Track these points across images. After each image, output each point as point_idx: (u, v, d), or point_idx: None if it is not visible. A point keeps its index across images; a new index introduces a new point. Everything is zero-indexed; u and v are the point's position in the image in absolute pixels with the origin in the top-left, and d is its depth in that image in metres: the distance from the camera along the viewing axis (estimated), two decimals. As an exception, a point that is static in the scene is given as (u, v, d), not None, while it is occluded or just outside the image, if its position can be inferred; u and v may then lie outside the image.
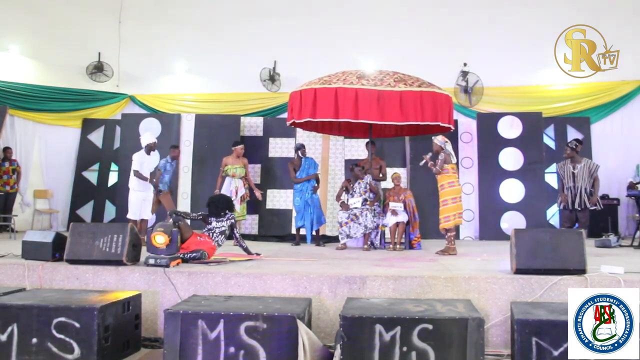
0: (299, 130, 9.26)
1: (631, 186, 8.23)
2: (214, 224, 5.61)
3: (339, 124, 7.87)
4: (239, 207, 7.76)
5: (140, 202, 7.24)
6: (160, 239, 4.76)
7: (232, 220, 5.68)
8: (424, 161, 6.43)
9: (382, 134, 8.11)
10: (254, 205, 9.41)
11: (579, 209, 7.20)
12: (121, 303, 4.01)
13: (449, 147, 6.31)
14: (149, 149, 7.34)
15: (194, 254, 5.11)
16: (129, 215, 7.22)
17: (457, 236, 6.41)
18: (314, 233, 7.78)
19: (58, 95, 10.11)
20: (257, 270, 4.67)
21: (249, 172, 8.18)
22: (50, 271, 4.78)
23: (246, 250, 5.73)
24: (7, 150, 9.27)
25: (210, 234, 5.53)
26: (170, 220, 5.31)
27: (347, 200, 7.25)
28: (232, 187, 7.72)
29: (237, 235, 5.74)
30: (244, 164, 7.98)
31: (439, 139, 6.37)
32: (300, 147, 7.89)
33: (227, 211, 5.70)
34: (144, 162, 7.28)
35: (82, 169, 10.27)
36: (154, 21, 10.66)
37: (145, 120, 9.83)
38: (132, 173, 7.26)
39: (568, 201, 7.30)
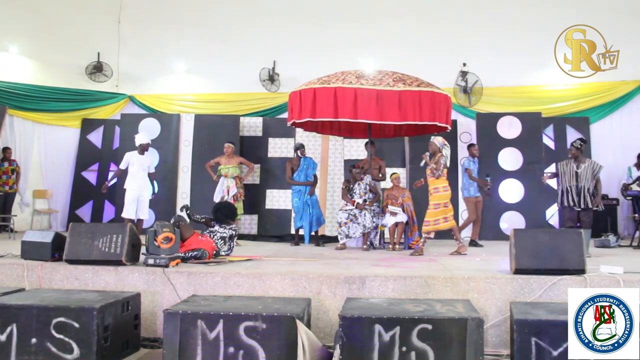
0: (298, 130, 9.26)
1: (625, 187, 8.20)
2: (216, 227, 5.75)
3: (339, 124, 7.87)
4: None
5: (134, 201, 7.25)
6: (167, 239, 4.79)
7: (233, 232, 5.80)
8: (423, 162, 6.38)
9: (381, 134, 8.11)
10: (254, 205, 9.41)
11: (582, 208, 7.08)
12: (120, 303, 4.01)
13: (446, 151, 6.24)
14: (142, 149, 7.38)
15: (194, 252, 5.13)
16: (123, 214, 7.33)
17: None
18: (312, 233, 7.78)
19: (57, 95, 10.11)
20: (257, 271, 4.67)
21: (242, 171, 8.27)
22: (50, 271, 4.78)
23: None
24: (6, 150, 9.26)
25: (211, 236, 5.58)
26: (172, 220, 5.32)
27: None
28: (224, 187, 7.76)
29: (233, 246, 5.85)
30: (238, 163, 8.06)
31: (438, 140, 6.28)
32: (299, 147, 7.89)
33: (230, 221, 5.81)
34: (134, 161, 7.33)
35: (81, 169, 10.27)
36: (154, 21, 10.65)
37: (144, 120, 9.81)
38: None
39: (569, 200, 7.12)
